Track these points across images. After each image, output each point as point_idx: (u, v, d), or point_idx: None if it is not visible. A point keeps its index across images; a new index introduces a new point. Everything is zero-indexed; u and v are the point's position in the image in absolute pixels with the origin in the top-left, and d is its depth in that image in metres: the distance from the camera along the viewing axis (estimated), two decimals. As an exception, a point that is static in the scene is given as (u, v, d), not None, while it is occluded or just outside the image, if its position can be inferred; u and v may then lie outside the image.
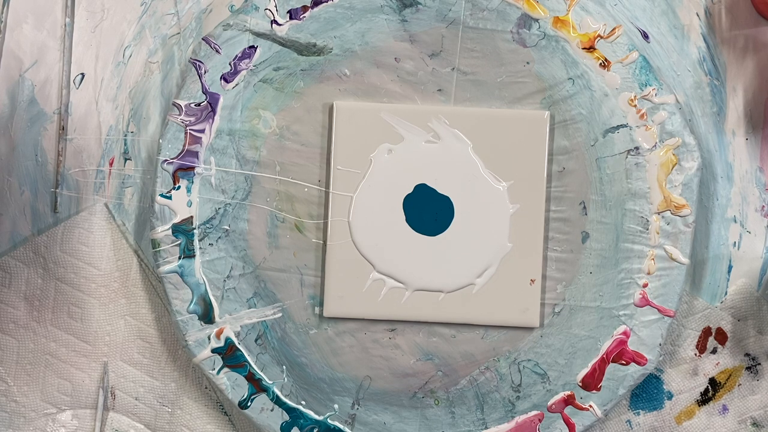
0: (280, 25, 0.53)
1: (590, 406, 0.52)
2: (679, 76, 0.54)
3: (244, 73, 0.53)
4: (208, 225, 0.53)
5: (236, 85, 0.53)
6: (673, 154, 0.52)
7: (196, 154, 0.53)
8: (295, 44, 0.53)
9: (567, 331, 0.53)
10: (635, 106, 0.52)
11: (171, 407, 0.55)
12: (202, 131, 0.53)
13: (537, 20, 0.53)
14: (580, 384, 0.53)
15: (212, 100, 0.53)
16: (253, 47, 0.53)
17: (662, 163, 0.52)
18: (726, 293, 0.54)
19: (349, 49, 0.54)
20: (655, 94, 0.52)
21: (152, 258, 0.54)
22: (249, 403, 0.53)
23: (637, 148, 0.52)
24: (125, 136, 0.55)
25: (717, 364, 0.54)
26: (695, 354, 0.54)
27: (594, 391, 0.53)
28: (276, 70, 0.54)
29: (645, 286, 0.52)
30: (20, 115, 0.55)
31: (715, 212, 0.54)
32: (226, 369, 0.53)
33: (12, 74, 0.55)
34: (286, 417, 0.53)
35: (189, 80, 0.53)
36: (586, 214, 0.54)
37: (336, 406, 0.54)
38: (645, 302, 0.52)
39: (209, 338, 0.53)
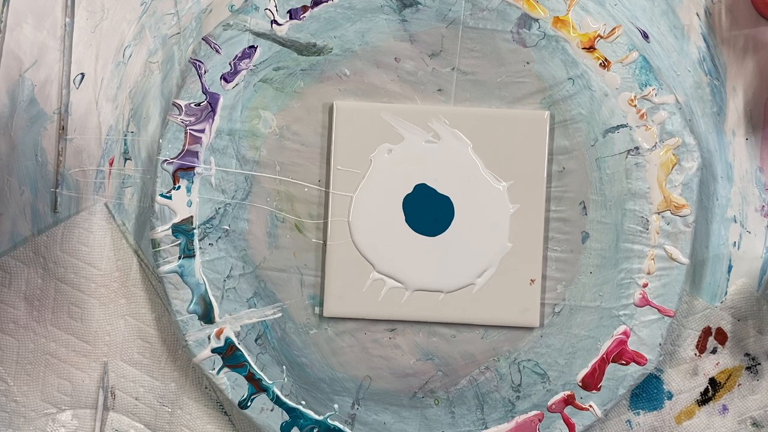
0: (280, 25, 0.53)
1: (590, 406, 0.53)
2: (679, 76, 0.54)
3: (244, 73, 0.53)
4: (208, 225, 0.53)
5: (236, 85, 0.53)
6: (673, 154, 0.52)
7: (196, 154, 0.53)
8: (295, 44, 0.53)
9: (567, 331, 0.53)
10: (635, 106, 0.52)
11: (171, 407, 0.55)
12: (202, 131, 0.53)
13: (537, 20, 0.53)
14: (580, 384, 0.53)
15: (212, 100, 0.53)
16: (253, 47, 0.53)
17: (662, 163, 0.52)
18: (726, 293, 0.54)
19: (349, 49, 0.54)
20: (655, 94, 0.52)
21: (152, 258, 0.54)
22: (249, 403, 0.53)
23: (637, 148, 0.52)
24: (125, 136, 0.55)
25: (717, 364, 0.54)
26: (695, 354, 0.54)
27: (594, 391, 0.53)
28: (276, 70, 0.54)
29: (645, 286, 0.52)
30: (20, 115, 0.55)
31: (715, 212, 0.54)
32: (226, 369, 0.53)
33: (12, 74, 0.55)
34: (286, 417, 0.53)
35: (189, 80, 0.53)
36: (586, 214, 0.54)
37: (336, 406, 0.54)
38: (645, 302, 0.52)
39: (209, 338, 0.53)
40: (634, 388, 0.54)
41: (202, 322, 0.53)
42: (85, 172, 0.55)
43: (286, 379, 0.53)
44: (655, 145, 0.52)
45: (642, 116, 0.52)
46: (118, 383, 0.55)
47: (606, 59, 0.52)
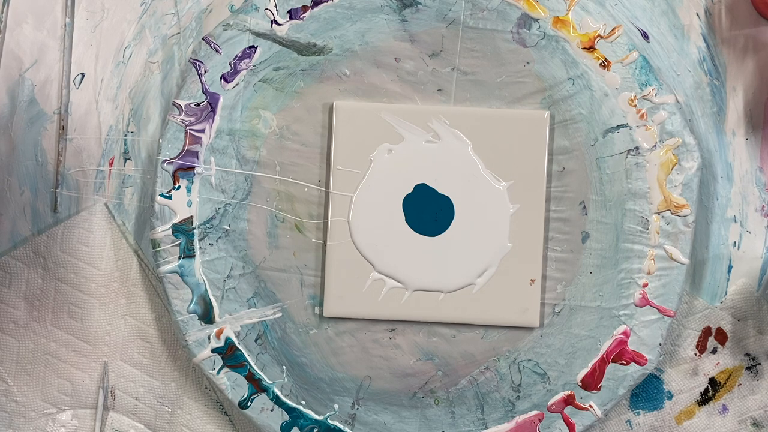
0: (280, 25, 0.53)
1: (590, 406, 0.52)
2: (679, 76, 0.54)
3: (244, 73, 0.53)
4: (208, 225, 0.53)
5: (236, 85, 0.53)
6: (673, 154, 0.52)
7: (196, 154, 0.53)
8: (295, 44, 0.53)
9: (567, 331, 0.53)
10: (635, 106, 0.52)
11: (171, 407, 0.55)
12: (202, 131, 0.53)
13: (537, 20, 0.53)
14: (580, 384, 0.53)
15: (212, 100, 0.53)
16: (253, 47, 0.53)
17: (662, 163, 0.52)
18: (726, 293, 0.54)
19: (349, 49, 0.54)
20: (655, 94, 0.52)
21: (152, 258, 0.54)
22: (249, 403, 0.53)
23: (637, 148, 0.52)
24: (125, 136, 0.55)
25: (717, 364, 0.54)
26: (695, 354, 0.54)
27: (594, 391, 0.53)
28: (276, 70, 0.54)
29: (645, 286, 0.52)
30: (20, 115, 0.55)
31: (715, 212, 0.54)
32: (226, 369, 0.53)
33: (12, 74, 0.55)
34: (286, 417, 0.53)
35: (189, 80, 0.53)
36: (586, 214, 0.54)
37: (336, 406, 0.54)
38: (645, 302, 0.52)
39: (209, 338, 0.53)
40: (634, 388, 0.54)
41: (202, 322, 0.53)
42: (85, 172, 0.55)
43: (286, 379, 0.53)
44: (655, 145, 0.52)
45: (642, 116, 0.52)
46: (118, 383, 0.55)
47: (606, 59, 0.52)
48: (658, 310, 0.52)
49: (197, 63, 0.53)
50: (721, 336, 0.54)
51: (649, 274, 0.52)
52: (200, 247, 0.53)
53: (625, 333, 0.52)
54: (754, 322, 0.54)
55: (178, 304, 0.53)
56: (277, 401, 0.53)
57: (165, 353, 0.55)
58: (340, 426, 0.53)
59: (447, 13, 0.53)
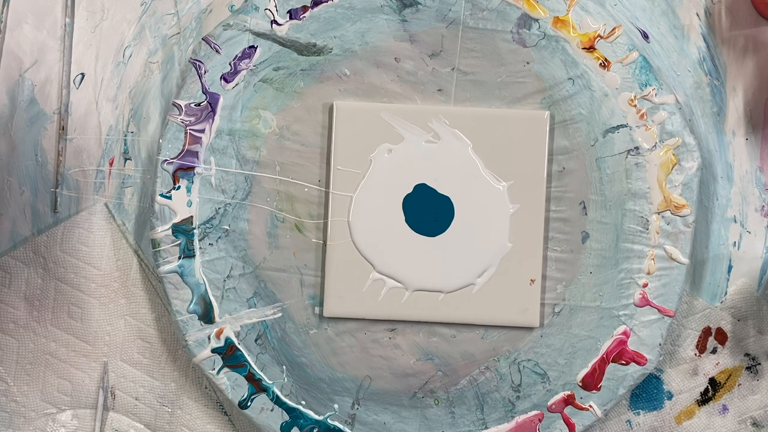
0: (280, 25, 0.53)
1: (590, 406, 0.52)
2: (679, 76, 0.54)
3: (244, 73, 0.53)
4: (208, 225, 0.53)
5: (236, 85, 0.53)
6: (673, 154, 0.52)
7: (196, 154, 0.53)
8: (295, 44, 0.53)
9: (567, 331, 0.53)
10: (635, 106, 0.52)
11: (171, 407, 0.55)
12: (202, 131, 0.53)
13: (537, 20, 0.53)
14: (580, 384, 0.53)
15: (212, 100, 0.53)
16: (253, 47, 0.53)
17: (662, 163, 0.52)
18: (726, 293, 0.54)
19: (349, 49, 0.54)
20: (655, 94, 0.52)
21: (152, 258, 0.54)
22: (249, 403, 0.53)
23: (637, 148, 0.52)
24: (125, 136, 0.55)
25: (717, 364, 0.54)
26: (695, 354, 0.54)
27: (594, 391, 0.53)
28: (276, 70, 0.54)
29: (645, 286, 0.52)
30: (20, 115, 0.55)
31: (715, 212, 0.54)
32: (226, 369, 0.53)
33: (12, 74, 0.55)
34: (286, 417, 0.53)
35: (189, 80, 0.53)
36: (586, 214, 0.54)
37: (336, 406, 0.54)
38: (645, 302, 0.52)
39: (209, 338, 0.53)
40: (634, 388, 0.54)
41: (202, 322, 0.53)
42: (85, 172, 0.55)
43: (286, 379, 0.53)
44: (655, 145, 0.52)
45: (642, 116, 0.52)
46: (118, 383, 0.55)
47: (606, 59, 0.52)
48: (658, 310, 0.52)
49: (197, 63, 0.53)
50: (721, 336, 0.54)
51: (649, 274, 0.52)
52: (200, 247, 0.53)
53: (625, 333, 0.52)
54: (754, 322, 0.54)
55: (178, 304, 0.53)
56: (277, 401, 0.53)
57: (165, 353, 0.55)
58: (340, 426, 0.53)
59: (447, 13, 0.53)
